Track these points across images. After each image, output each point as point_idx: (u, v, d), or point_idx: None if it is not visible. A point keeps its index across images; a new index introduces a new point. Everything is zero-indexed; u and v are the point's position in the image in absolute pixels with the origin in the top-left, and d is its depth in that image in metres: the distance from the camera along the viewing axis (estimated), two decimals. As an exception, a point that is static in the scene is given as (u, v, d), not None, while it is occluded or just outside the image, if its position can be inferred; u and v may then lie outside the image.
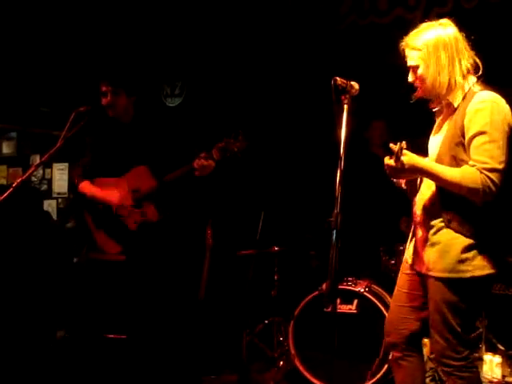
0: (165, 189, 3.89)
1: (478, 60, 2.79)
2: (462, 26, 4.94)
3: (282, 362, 4.67)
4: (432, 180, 2.75)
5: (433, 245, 2.79)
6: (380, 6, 5.45)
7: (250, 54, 5.89)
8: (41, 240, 5.41)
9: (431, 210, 2.80)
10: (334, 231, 2.61)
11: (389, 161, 2.68)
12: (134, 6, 6.13)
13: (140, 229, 3.91)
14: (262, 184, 5.57)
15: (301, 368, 4.39)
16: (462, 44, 2.77)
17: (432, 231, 2.80)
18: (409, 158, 2.65)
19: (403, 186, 3.01)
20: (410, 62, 2.80)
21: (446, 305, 2.74)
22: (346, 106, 2.76)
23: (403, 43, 2.83)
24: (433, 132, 2.95)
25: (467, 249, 2.70)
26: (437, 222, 2.78)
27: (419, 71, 2.77)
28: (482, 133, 2.63)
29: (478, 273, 2.70)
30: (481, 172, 2.60)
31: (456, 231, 2.71)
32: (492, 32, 4.93)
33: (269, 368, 4.72)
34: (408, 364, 2.97)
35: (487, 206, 2.67)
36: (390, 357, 3.05)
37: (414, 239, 2.98)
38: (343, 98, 2.78)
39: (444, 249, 2.74)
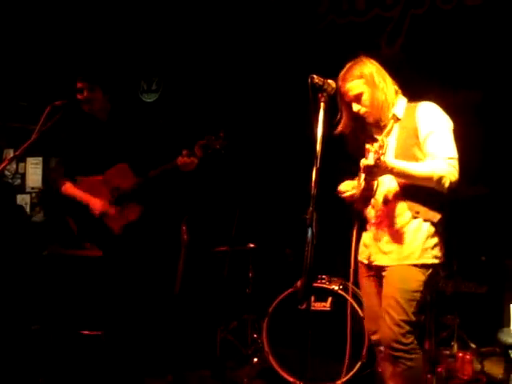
0: (147, 186, 3.88)
1: (396, 86, 3.18)
2: (437, 26, 5.05)
3: (255, 359, 4.68)
4: (403, 176, 2.97)
5: (396, 238, 3.05)
6: (358, 7, 5.49)
7: (228, 51, 5.88)
8: (14, 234, 5.35)
9: (393, 209, 3.06)
10: (310, 228, 2.63)
11: (366, 161, 2.84)
12: (111, 1, 6.09)
13: (124, 230, 3.90)
14: (238, 181, 5.57)
15: (275, 365, 4.40)
16: (384, 71, 3.15)
17: (395, 227, 3.06)
18: (384, 157, 2.83)
19: (357, 194, 3.17)
20: (355, 91, 3.09)
21: (403, 292, 2.98)
22: (322, 104, 2.79)
23: (339, 83, 3.09)
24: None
25: (428, 239, 3.02)
26: (400, 218, 3.05)
27: (364, 96, 3.09)
28: (435, 131, 3.00)
29: (435, 261, 3.04)
30: (444, 160, 2.94)
31: (425, 219, 3.01)
32: (468, 34, 4.99)
33: (243, 365, 4.72)
34: None
35: (446, 198, 3.01)
36: (381, 353, 3.19)
37: (367, 242, 3.22)
38: (320, 95, 2.81)
39: (407, 240, 3.03)
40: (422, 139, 3.01)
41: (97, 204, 3.90)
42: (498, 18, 4.90)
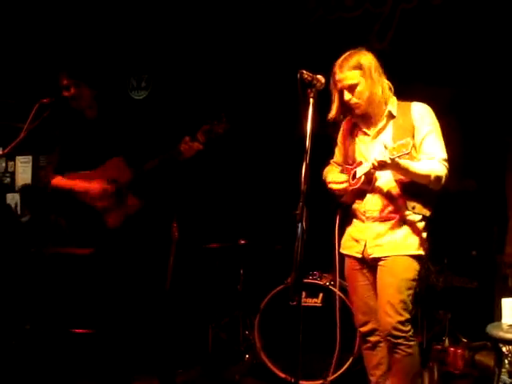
0: (145, 177, 3.86)
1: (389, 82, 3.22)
2: (427, 21, 5.04)
3: (247, 356, 4.68)
4: (404, 173, 3.07)
5: (398, 229, 3.18)
6: (347, 2, 5.48)
7: (218, 47, 5.86)
8: (3, 233, 5.32)
9: (394, 203, 3.17)
10: (300, 224, 2.64)
11: (380, 157, 2.91)
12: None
13: (122, 224, 3.87)
14: (229, 177, 5.56)
15: (266, 361, 4.40)
16: (380, 66, 3.18)
17: (395, 221, 3.18)
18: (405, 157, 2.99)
19: (350, 188, 3.21)
20: (350, 81, 3.10)
21: (403, 281, 3.13)
22: (311, 100, 2.81)
23: (335, 69, 3.14)
24: (370, 138, 3.26)
25: (422, 231, 3.20)
26: (400, 212, 3.17)
27: (358, 88, 3.11)
28: (432, 132, 3.14)
29: (424, 252, 3.21)
30: (440, 162, 3.11)
31: (419, 214, 3.16)
32: (458, 28, 4.99)
33: (234, 362, 4.72)
34: (384, 345, 3.28)
35: (436, 196, 3.19)
36: (368, 343, 3.35)
37: (357, 236, 3.29)
38: (309, 91, 2.83)
39: (408, 232, 3.17)
40: (419, 139, 3.13)
41: (95, 186, 3.83)
42: (489, 13, 4.89)
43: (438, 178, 3.08)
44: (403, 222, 3.17)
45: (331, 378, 4.12)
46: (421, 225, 3.19)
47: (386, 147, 2.90)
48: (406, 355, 3.13)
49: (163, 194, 4.93)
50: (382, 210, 3.19)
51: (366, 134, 3.28)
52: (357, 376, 4.09)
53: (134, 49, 6.27)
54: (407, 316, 3.12)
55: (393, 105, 3.20)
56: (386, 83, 3.19)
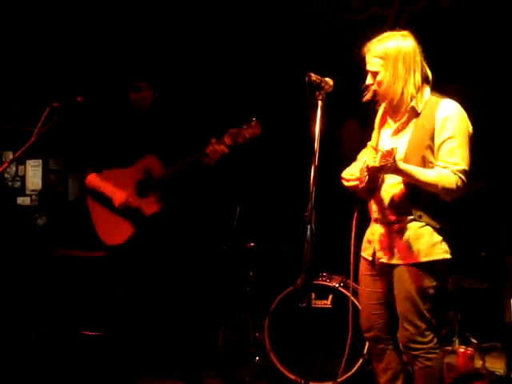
0: (174, 178, 3.86)
1: (429, 71, 3.00)
2: (434, 23, 5.05)
3: (257, 358, 4.69)
4: (409, 180, 2.89)
5: (404, 235, 2.98)
6: (354, 5, 5.49)
7: (226, 50, 5.88)
8: (15, 236, 5.35)
9: (398, 207, 2.99)
10: (309, 226, 2.64)
11: (372, 163, 2.78)
12: (104, 3, 6.10)
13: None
14: (237, 180, 5.57)
15: (276, 363, 4.40)
16: (419, 56, 2.96)
17: (400, 225, 2.99)
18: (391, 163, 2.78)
19: (360, 186, 3.06)
20: (371, 68, 2.98)
21: (417, 292, 2.95)
22: (320, 102, 2.81)
23: (365, 48, 3.00)
24: (390, 133, 3.09)
25: (435, 234, 2.95)
26: (405, 217, 2.97)
27: (378, 77, 2.96)
28: (452, 138, 2.87)
29: (445, 255, 2.97)
30: (454, 173, 2.85)
31: (426, 224, 2.94)
32: (466, 30, 5.00)
33: (244, 363, 4.73)
34: (390, 352, 3.17)
35: (449, 202, 2.95)
36: (374, 349, 3.25)
37: (370, 237, 3.16)
38: (317, 93, 2.83)
39: (416, 236, 2.95)
40: (437, 143, 2.89)
41: (119, 196, 3.86)
42: (495, 14, 4.89)
43: (447, 190, 2.85)
44: (410, 227, 2.95)
45: (341, 379, 4.12)
46: (429, 229, 2.94)
47: (379, 152, 2.77)
48: (423, 367, 2.98)
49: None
50: (386, 213, 3.02)
51: (390, 126, 3.11)
52: (367, 377, 4.10)
53: (136, 53, 6.30)
54: (424, 326, 2.96)
55: (419, 99, 2.95)
56: (417, 79, 2.93)
